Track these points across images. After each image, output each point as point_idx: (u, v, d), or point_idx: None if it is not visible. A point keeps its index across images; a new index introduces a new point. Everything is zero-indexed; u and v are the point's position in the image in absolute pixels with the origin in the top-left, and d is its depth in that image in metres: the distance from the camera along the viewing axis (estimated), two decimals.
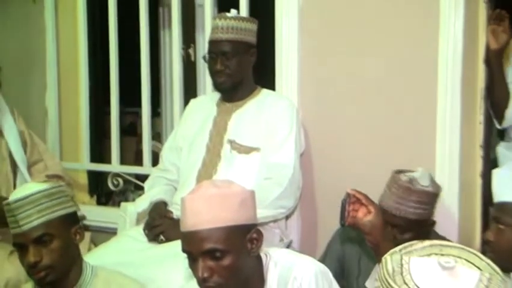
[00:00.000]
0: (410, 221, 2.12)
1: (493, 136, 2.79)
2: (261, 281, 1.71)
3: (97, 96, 3.63)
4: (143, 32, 3.27)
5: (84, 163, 3.54)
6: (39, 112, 3.58)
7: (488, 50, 2.51)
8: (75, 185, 3.29)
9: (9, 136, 2.64)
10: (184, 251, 1.64)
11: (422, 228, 2.15)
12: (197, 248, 1.60)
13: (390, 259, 1.16)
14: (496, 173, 1.82)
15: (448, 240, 2.19)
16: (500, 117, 2.58)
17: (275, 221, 2.53)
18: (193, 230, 1.60)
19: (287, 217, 2.65)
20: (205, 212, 1.60)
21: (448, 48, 2.46)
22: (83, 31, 3.48)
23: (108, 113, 3.48)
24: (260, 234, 1.68)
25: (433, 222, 2.23)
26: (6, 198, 2.30)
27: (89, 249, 2.70)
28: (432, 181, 2.21)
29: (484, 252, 1.71)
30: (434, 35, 2.48)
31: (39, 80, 3.59)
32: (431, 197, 2.18)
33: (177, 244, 2.27)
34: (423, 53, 2.52)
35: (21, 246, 1.88)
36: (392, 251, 1.19)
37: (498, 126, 2.63)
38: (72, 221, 1.95)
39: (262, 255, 1.73)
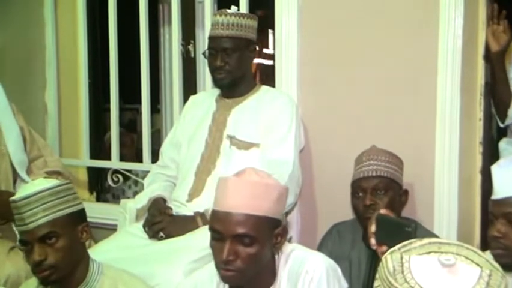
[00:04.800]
0: (385, 179, 2.25)
1: (493, 132, 2.81)
2: (272, 273, 1.74)
3: (97, 93, 3.63)
4: (142, 28, 3.27)
5: (84, 159, 3.53)
6: (39, 108, 3.57)
7: (489, 51, 2.51)
8: (75, 181, 3.28)
9: (9, 136, 2.62)
10: (212, 229, 1.65)
11: (396, 193, 2.27)
12: (230, 230, 1.61)
13: (391, 258, 1.17)
14: (495, 169, 1.78)
15: (437, 236, 2.23)
16: (503, 116, 2.59)
17: None
18: (231, 212, 1.62)
19: (287, 213, 2.63)
20: (248, 196, 1.62)
21: (447, 45, 2.46)
22: (83, 27, 3.47)
23: (108, 110, 3.47)
24: (286, 231, 1.72)
25: (406, 191, 2.34)
26: (9, 193, 2.32)
27: (89, 246, 2.69)
28: None
29: (485, 249, 1.71)
30: (434, 31, 2.47)
31: (39, 76, 3.58)
32: (397, 158, 2.32)
33: (177, 240, 2.32)
34: (423, 51, 2.51)
35: (26, 243, 1.86)
36: (391, 250, 1.20)
37: (501, 125, 2.64)
38: (78, 219, 1.93)
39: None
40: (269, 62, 4.73)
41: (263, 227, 1.64)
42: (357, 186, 2.29)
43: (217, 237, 1.64)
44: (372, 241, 1.75)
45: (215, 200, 1.68)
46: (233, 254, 1.62)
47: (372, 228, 1.75)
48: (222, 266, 1.64)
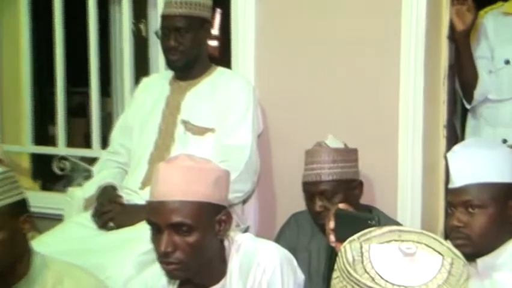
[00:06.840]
0: (331, 182, 2.19)
1: (457, 116, 2.83)
2: (223, 265, 1.69)
3: (42, 75, 3.56)
4: (91, 5, 3.19)
5: (27, 146, 3.48)
6: None
7: (454, 31, 2.51)
8: (17, 168, 3.25)
9: None
10: (149, 222, 1.61)
11: (349, 189, 2.22)
12: (164, 220, 1.56)
13: (350, 247, 1.15)
14: (451, 156, 1.73)
15: (399, 223, 2.23)
16: (469, 97, 2.60)
17: (231, 205, 2.44)
18: (164, 200, 1.57)
19: (244, 201, 2.61)
20: (179, 182, 1.58)
21: (411, 26, 2.44)
22: (26, 3, 3.39)
23: (54, 93, 3.42)
24: (229, 217, 1.67)
25: (360, 183, 2.29)
26: None
27: (33, 238, 2.58)
28: (344, 145, 2.31)
29: (446, 239, 1.66)
30: (397, 12, 2.46)
31: None
32: (342, 153, 2.25)
33: (128, 231, 2.29)
34: (386, 32, 2.50)
35: None
36: (350, 239, 1.18)
37: (468, 106, 2.65)
38: (20, 210, 1.86)
39: (224, 239, 1.71)
40: (214, 43, 4.63)
41: (201, 214, 1.58)
42: (306, 190, 2.26)
43: (155, 230, 1.59)
44: (332, 238, 1.69)
45: (150, 191, 1.63)
46: (171, 245, 1.56)
47: (331, 224, 1.69)
48: (162, 259, 1.59)
